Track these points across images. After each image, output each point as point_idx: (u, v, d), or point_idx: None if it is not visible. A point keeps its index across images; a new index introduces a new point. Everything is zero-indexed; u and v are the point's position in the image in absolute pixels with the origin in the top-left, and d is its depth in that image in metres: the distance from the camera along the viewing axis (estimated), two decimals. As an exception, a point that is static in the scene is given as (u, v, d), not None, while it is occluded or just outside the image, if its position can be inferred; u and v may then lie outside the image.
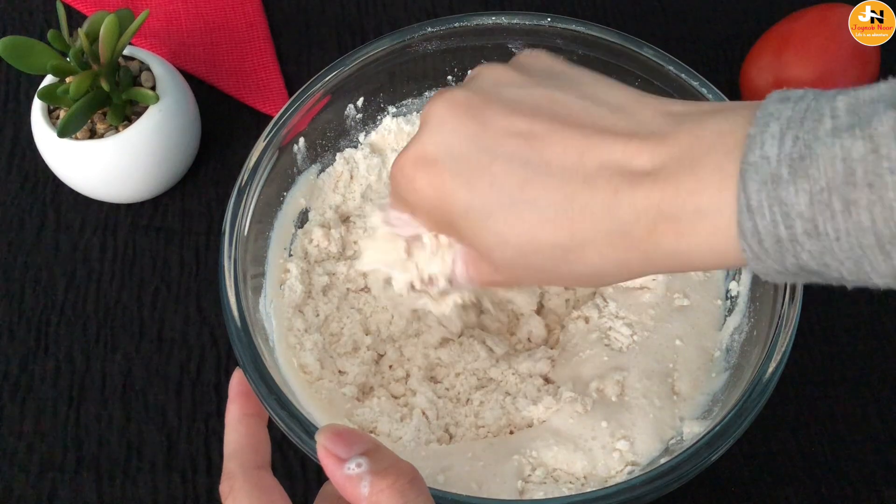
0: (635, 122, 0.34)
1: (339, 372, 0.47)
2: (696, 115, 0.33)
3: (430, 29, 0.52)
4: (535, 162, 0.34)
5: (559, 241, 0.34)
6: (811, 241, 0.28)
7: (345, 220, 0.53)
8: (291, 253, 0.50)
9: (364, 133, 0.55)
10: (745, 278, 0.48)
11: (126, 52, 0.56)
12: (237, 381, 0.37)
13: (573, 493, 0.39)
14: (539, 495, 0.42)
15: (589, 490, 0.40)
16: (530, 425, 0.45)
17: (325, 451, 0.31)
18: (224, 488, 0.33)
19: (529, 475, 0.43)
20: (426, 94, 0.55)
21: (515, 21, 0.52)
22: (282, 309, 0.48)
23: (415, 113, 0.56)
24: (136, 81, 0.55)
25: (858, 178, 0.27)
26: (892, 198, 0.26)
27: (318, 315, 0.49)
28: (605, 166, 0.33)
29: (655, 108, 0.34)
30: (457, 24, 0.52)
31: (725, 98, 0.48)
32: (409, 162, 0.37)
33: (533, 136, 0.34)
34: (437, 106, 0.37)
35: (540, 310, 0.50)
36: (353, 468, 0.30)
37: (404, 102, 0.55)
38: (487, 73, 0.38)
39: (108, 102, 0.53)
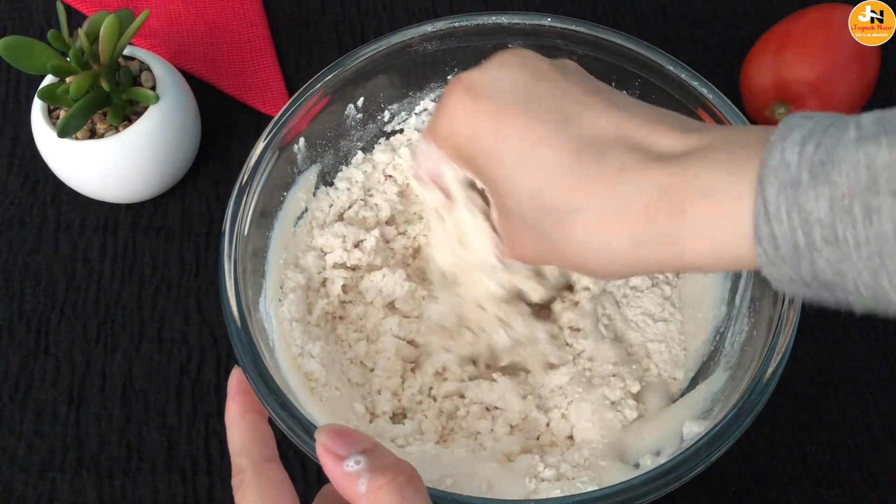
0: (668, 116, 0.35)
1: (349, 381, 0.48)
2: (722, 127, 0.34)
3: (430, 29, 0.52)
4: (561, 122, 0.35)
5: (556, 204, 0.34)
6: (829, 248, 0.28)
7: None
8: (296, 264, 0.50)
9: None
10: (743, 282, 0.48)
11: (126, 52, 0.56)
12: (236, 380, 0.37)
13: (573, 494, 0.39)
14: (556, 493, 0.41)
15: (589, 490, 0.40)
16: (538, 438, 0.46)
17: (323, 449, 0.31)
18: (235, 482, 0.33)
19: (541, 472, 0.43)
20: (426, 93, 0.55)
21: (515, 21, 0.52)
22: (282, 316, 0.48)
23: (414, 113, 0.56)
24: (136, 81, 0.55)
25: (882, 186, 0.26)
26: None
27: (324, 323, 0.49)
28: (623, 140, 0.33)
29: (683, 118, 0.35)
30: (457, 24, 0.52)
31: (724, 98, 0.48)
32: (462, 86, 0.38)
33: (574, 99, 0.36)
34: (507, 53, 0.39)
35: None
36: (351, 465, 0.30)
37: (404, 102, 0.55)
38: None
39: (108, 102, 0.53)
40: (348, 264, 0.51)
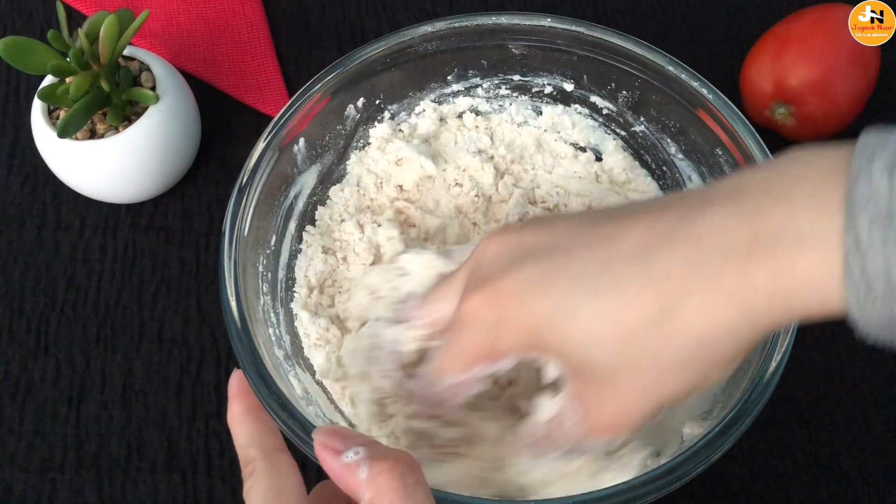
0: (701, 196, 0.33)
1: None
2: (759, 170, 0.31)
3: (430, 29, 0.52)
4: (609, 250, 0.34)
5: (649, 313, 0.32)
6: None
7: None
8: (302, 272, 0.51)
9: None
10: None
11: (126, 52, 0.56)
12: (237, 381, 0.37)
13: (573, 494, 0.39)
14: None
15: (589, 490, 0.40)
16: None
17: (321, 446, 0.31)
18: (245, 472, 0.33)
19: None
20: (426, 93, 0.55)
21: (515, 21, 0.52)
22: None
23: (413, 113, 0.56)
24: (136, 81, 0.55)
25: None
26: None
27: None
28: (680, 226, 0.32)
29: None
30: (457, 24, 0.52)
31: (724, 98, 0.48)
32: (477, 301, 0.36)
33: (605, 231, 0.34)
34: (486, 242, 0.37)
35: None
36: (350, 456, 0.30)
37: (404, 102, 0.55)
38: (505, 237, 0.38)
39: (108, 102, 0.53)
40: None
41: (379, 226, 0.51)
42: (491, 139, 0.56)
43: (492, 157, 0.55)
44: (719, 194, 0.32)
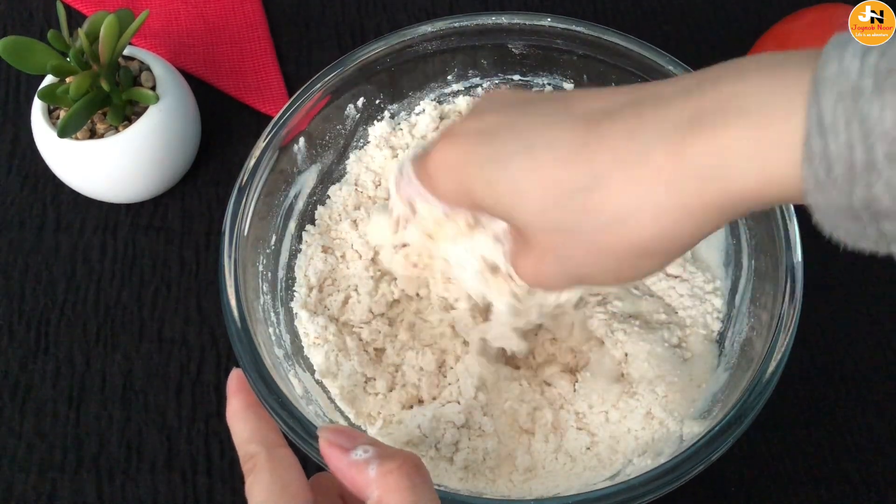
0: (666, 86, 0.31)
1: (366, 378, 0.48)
2: (750, 57, 0.29)
3: (430, 29, 0.52)
4: (562, 109, 0.33)
5: (578, 181, 0.30)
6: (892, 168, 0.24)
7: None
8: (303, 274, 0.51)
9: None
10: (743, 282, 0.48)
11: (126, 52, 0.56)
12: (236, 378, 0.37)
13: (573, 494, 0.39)
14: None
15: (589, 490, 0.40)
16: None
17: (327, 444, 0.31)
18: (246, 468, 0.33)
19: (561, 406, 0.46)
20: (426, 93, 0.55)
21: (515, 21, 0.52)
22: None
23: (413, 113, 0.56)
24: (136, 81, 0.55)
25: None
26: None
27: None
28: (635, 101, 0.31)
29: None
30: (457, 24, 0.52)
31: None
32: (448, 135, 0.36)
33: (568, 95, 0.34)
34: (483, 97, 0.37)
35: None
36: (360, 454, 0.30)
37: (404, 102, 0.55)
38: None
39: (108, 102, 0.53)
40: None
41: (369, 216, 0.51)
42: None
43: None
44: (684, 77, 0.31)
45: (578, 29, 0.51)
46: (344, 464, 0.30)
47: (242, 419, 0.35)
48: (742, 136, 0.27)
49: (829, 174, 0.25)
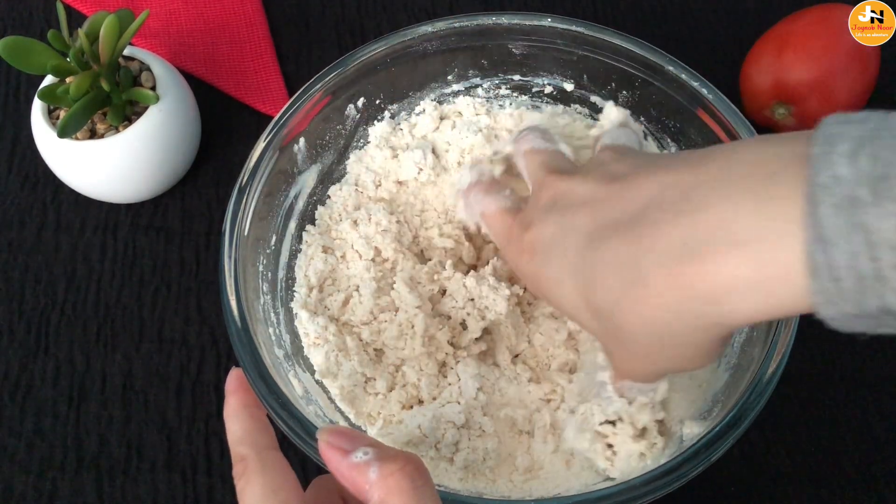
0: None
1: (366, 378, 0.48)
2: (718, 151, 0.31)
3: (430, 29, 0.52)
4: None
5: (607, 298, 0.34)
6: None
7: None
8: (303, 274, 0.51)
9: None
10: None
11: (126, 52, 0.56)
12: (235, 377, 0.37)
13: (573, 494, 0.39)
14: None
15: (589, 491, 0.40)
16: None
17: (327, 446, 0.31)
18: (237, 470, 0.33)
19: (558, 407, 0.46)
20: (426, 93, 0.55)
21: (515, 21, 0.52)
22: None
23: (413, 113, 0.56)
24: (136, 81, 0.55)
25: None
26: None
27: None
28: (634, 222, 0.33)
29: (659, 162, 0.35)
30: (457, 24, 0.52)
31: (724, 98, 0.48)
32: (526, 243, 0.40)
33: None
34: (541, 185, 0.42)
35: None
36: (360, 456, 0.30)
37: (404, 102, 0.55)
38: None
39: (108, 102, 0.53)
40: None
41: (370, 216, 0.51)
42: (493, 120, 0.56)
43: (496, 136, 0.55)
44: (665, 173, 0.33)
45: (578, 29, 0.51)
46: (344, 466, 0.30)
47: (237, 418, 0.35)
48: (742, 267, 0.28)
49: (838, 285, 0.25)
